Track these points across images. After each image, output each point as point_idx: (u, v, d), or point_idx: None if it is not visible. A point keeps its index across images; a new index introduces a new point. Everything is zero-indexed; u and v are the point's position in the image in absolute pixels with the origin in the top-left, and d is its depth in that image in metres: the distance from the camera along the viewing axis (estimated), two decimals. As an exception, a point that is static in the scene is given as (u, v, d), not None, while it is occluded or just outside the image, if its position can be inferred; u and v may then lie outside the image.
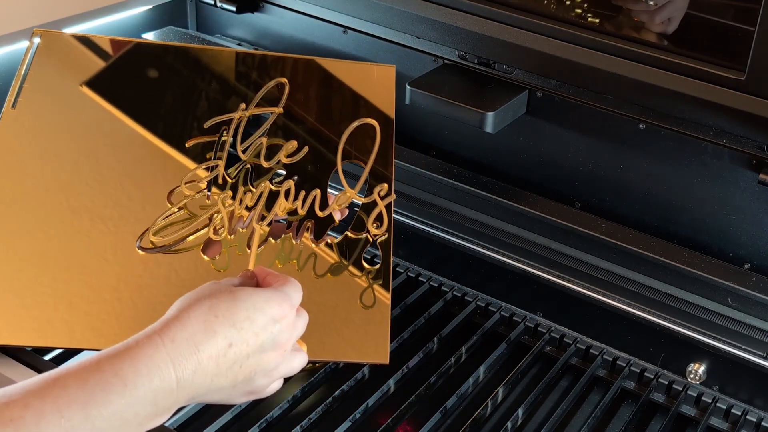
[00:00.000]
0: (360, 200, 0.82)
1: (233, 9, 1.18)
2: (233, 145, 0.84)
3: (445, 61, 1.03)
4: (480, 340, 0.97)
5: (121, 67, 0.89)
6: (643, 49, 0.86)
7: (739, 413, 0.90)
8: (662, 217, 0.97)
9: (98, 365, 0.58)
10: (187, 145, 0.84)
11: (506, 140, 1.04)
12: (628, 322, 0.95)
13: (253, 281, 0.71)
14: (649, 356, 0.95)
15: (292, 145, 0.85)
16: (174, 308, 0.64)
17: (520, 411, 0.88)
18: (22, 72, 0.86)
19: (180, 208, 0.82)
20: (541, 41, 0.92)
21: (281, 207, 0.82)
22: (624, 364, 0.95)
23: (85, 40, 0.90)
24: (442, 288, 1.04)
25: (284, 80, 0.87)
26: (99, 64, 0.88)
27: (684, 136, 0.91)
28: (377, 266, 0.82)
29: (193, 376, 0.61)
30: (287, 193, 0.83)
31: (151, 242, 0.80)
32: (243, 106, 0.85)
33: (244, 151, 0.84)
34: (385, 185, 0.83)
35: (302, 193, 0.83)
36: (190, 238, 0.81)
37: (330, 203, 0.83)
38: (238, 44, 1.19)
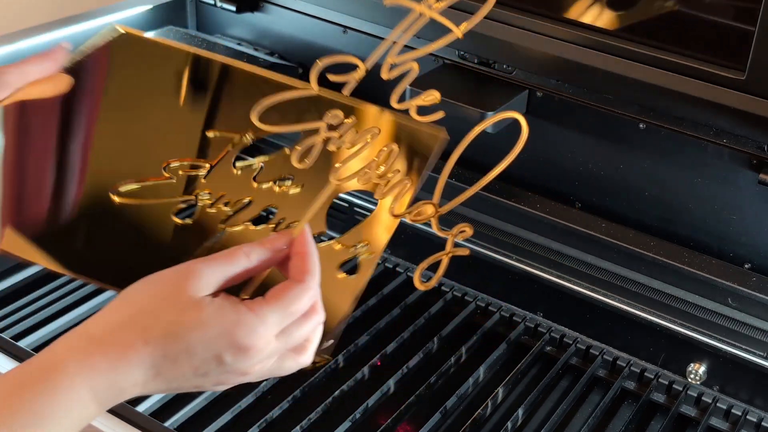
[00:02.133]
0: (435, 228, 0.69)
1: (233, 9, 1.18)
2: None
3: (445, 61, 1.03)
4: (480, 340, 0.97)
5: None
6: (644, 49, 0.86)
7: (740, 413, 0.90)
8: (662, 217, 0.97)
9: (11, 398, 0.52)
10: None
11: (506, 140, 1.04)
12: (628, 322, 0.95)
13: (281, 254, 0.61)
14: (649, 356, 0.95)
15: (432, 96, 0.71)
16: (113, 312, 0.55)
17: (520, 411, 0.88)
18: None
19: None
20: (541, 41, 0.92)
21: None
22: (624, 364, 0.95)
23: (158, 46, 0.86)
24: (442, 288, 1.04)
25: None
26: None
27: (684, 136, 0.91)
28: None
29: (114, 401, 0.54)
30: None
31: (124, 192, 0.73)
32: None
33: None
34: (469, 228, 0.69)
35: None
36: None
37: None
38: (238, 44, 1.19)
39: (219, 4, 1.19)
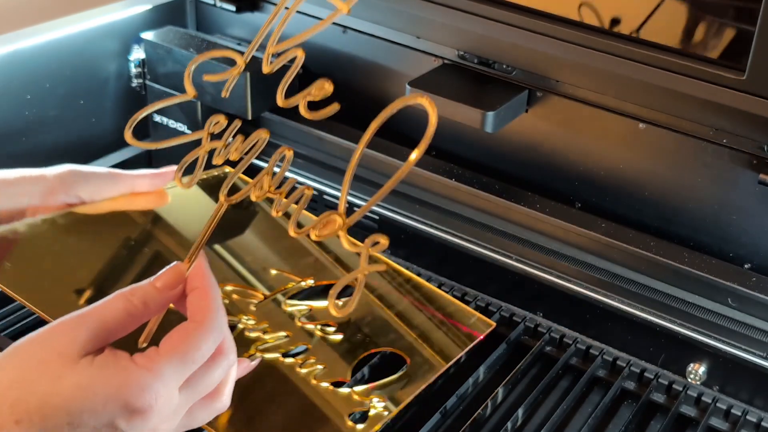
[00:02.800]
0: (345, 243, 0.58)
1: (233, 9, 1.18)
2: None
3: (445, 61, 1.03)
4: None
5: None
6: (643, 49, 0.86)
7: (739, 413, 0.90)
8: (662, 217, 0.97)
9: None
10: None
11: (506, 140, 1.04)
12: (628, 322, 0.95)
13: (176, 291, 0.53)
14: (649, 356, 0.95)
15: (324, 89, 0.62)
16: None
17: (520, 411, 0.88)
18: None
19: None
20: (541, 41, 0.91)
21: (260, 187, 0.61)
22: (624, 364, 0.95)
23: None
24: (442, 288, 1.04)
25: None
26: None
27: (684, 136, 0.91)
28: None
29: None
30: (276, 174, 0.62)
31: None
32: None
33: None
34: (383, 239, 0.57)
35: (290, 183, 0.62)
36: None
37: None
38: (238, 44, 1.19)
39: (219, 4, 1.19)
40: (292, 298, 0.88)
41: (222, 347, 0.52)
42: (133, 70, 1.18)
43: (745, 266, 0.93)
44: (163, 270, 0.53)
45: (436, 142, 1.09)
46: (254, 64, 1.17)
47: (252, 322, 0.81)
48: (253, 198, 0.58)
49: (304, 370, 0.79)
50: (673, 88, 0.86)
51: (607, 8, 0.90)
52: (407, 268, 1.06)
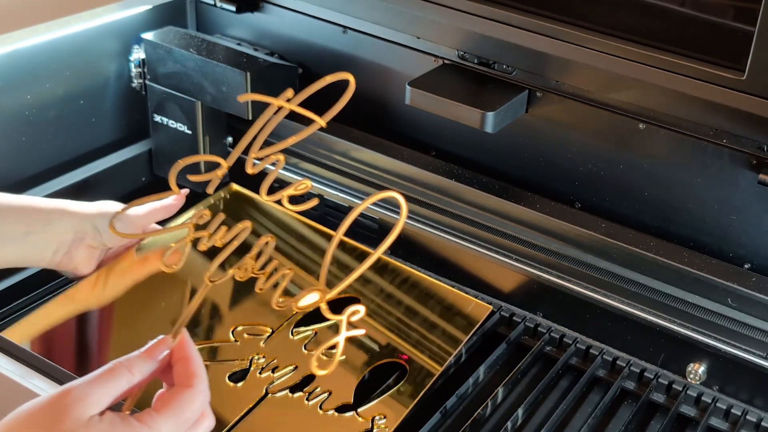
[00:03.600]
0: (327, 314, 0.61)
1: (233, 9, 1.18)
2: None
3: (445, 61, 1.03)
4: (480, 340, 0.97)
5: None
6: (643, 49, 0.86)
7: (739, 413, 0.90)
8: (662, 217, 0.97)
9: None
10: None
11: (506, 140, 1.04)
12: (628, 322, 0.95)
13: (163, 362, 0.58)
14: (649, 356, 0.95)
15: (304, 185, 0.64)
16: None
17: (520, 411, 0.88)
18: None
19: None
20: (541, 41, 0.91)
21: (244, 269, 0.63)
22: (624, 364, 0.95)
23: None
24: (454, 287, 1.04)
25: (349, 77, 0.64)
26: None
27: (684, 136, 0.91)
28: None
29: None
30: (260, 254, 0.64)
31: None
32: (290, 94, 0.62)
33: (256, 159, 0.67)
34: (360, 308, 0.62)
35: (274, 264, 0.64)
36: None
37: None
38: (238, 44, 1.19)
39: (219, 4, 1.19)
40: (298, 324, 0.91)
41: (205, 413, 0.58)
42: (133, 70, 1.18)
43: (745, 266, 0.93)
44: (151, 343, 0.59)
45: (436, 142, 1.09)
46: (255, 64, 1.18)
47: (262, 360, 0.88)
48: (237, 278, 0.62)
49: (311, 402, 0.84)
50: (673, 88, 0.86)
51: (607, 8, 0.90)
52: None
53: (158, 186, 1.22)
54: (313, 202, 0.63)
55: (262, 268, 0.62)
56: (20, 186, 1.08)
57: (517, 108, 0.99)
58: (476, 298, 1.02)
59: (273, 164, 0.62)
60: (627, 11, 0.90)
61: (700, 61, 0.84)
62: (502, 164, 1.05)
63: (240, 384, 0.85)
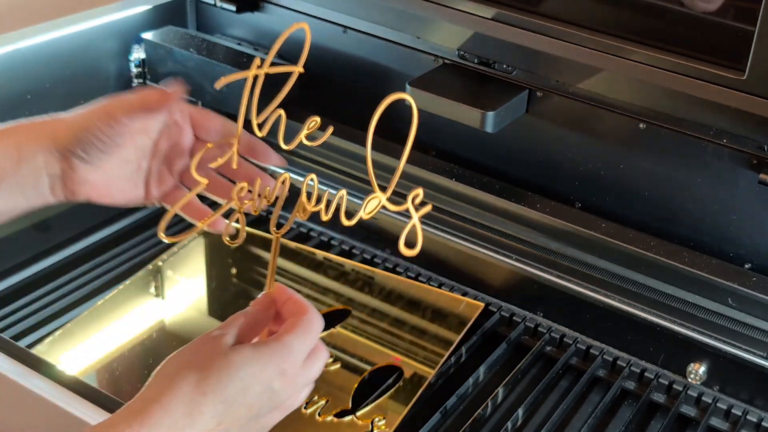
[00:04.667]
0: (392, 207, 0.67)
1: (233, 9, 1.18)
2: (248, 114, 0.71)
3: (445, 61, 1.03)
4: (480, 340, 0.97)
5: None
6: (644, 49, 0.86)
7: (740, 413, 0.90)
8: (662, 217, 0.97)
9: None
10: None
11: (506, 140, 1.04)
12: (628, 322, 0.95)
13: (271, 311, 0.64)
14: (649, 356, 0.95)
15: (314, 122, 0.69)
16: (157, 379, 0.57)
17: (520, 411, 0.88)
18: None
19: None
20: (541, 41, 0.92)
21: (302, 209, 0.67)
22: (624, 364, 0.95)
23: None
24: (442, 288, 1.04)
25: (305, 26, 0.72)
26: None
27: (684, 136, 0.91)
28: None
29: None
30: (308, 193, 0.68)
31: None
32: (258, 62, 0.69)
33: (260, 126, 0.69)
34: (419, 190, 0.66)
35: (326, 194, 0.69)
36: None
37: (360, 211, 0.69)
38: (238, 44, 1.19)
39: (219, 4, 1.19)
40: None
41: (318, 343, 0.63)
42: (133, 70, 1.18)
43: (745, 266, 0.93)
44: (256, 298, 0.65)
45: (436, 142, 1.09)
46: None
47: None
48: (301, 218, 0.67)
49: (309, 410, 0.85)
50: (673, 88, 0.86)
51: (607, 8, 0.90)
52: (407, 269, 1.06)
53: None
54: (329, 131, 0.68)
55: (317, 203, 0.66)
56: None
57: (517, 108, 0.99)
58: (476, 298, 1.03)
59: (278, 119, 0.67)
60: (627, 11, 0.90)
61: (700, 61, 0.84)
62: (502, 164, 1.05)
63: None
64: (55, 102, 1.12)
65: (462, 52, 1.01)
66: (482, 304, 0.99)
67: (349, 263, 1.05)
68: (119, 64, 1.18)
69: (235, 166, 0.68)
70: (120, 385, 0.92)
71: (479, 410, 0.87)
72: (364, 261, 1.07)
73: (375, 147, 1.08)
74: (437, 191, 1.04)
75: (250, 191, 0.67)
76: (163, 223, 0.65)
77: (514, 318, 1.00)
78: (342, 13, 1.09)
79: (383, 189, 0.66)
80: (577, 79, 0.94)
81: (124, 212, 1.19)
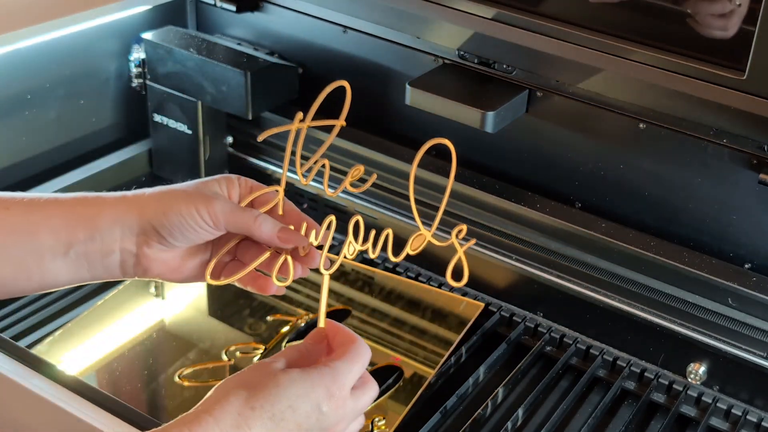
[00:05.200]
0: (437, 243, 0.69)
1: (233, 9, 1.18)
2: (292, 163, 0.70)
3: (445, 61, 1.03)
4: (480, 340, 0.97)
5: None
6: (644, 49, 0.86)
7: (740, 413, 0.90)
8: (662, 217, 0.97)
9: None
10: None
11: (506, 140, 1.04)
12: (628, 322, 0.95)
13: (323, 345, 0.66)
14: (649, 356, 0.95)
15: (358, 170, 0.70)
16: (212, 395, 0.60)
17: (520, 411, 0.88)
18: None
19: None
20: (541, 41, 0.91)
21: (350, 250, 0.68)
22: (624, 364, 0.95)
23: None
24: (442, 288, 1.04)
25: (345, 84, 0.70)
26: None
27: (684, 136, 0.91)
28: None
29: None
30: (356, 229, 0.68)
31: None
32: (300, 116, 0.68)
33: (305, 175, 0.70)
34: (464, 226, 0.68)
35: (372, 232, 0.69)
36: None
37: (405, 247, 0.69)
38: (238, 44, 1.19)
39: (219, 4, 1.19)
40: (291, 340, 0.93)
41: (369, 378, 0.65)
42: (133, 70, 1.18)
43: (745, 266, 0.93)
44: (311, 336, 0.67)
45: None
46: (255, 64, 1.18)
47: None
48: (349, 258, 0.68)
49: None
50: (673, 88, 0.86)
51: (607, 8, 0.90)
52: (407, 269, 1.06)
53: (158, 185, 1.22)
54: (373, 178, 0.70)
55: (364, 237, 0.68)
56: (20, 186, 1.08)
57: (517, 108, 0.99)
58: (476, 298, 1.03)
59: (322, 167, 0.69)
60: (627, 11, 0.90)
61: (700, 61, 0.84)
62: (502, 164, 1.05)
63: None
64: (55, 102, 1.12)
65: (462, 52, 1.01)
66: (482, 304, 0.99)
67: (349, 263, 1.05)
68: (119, 64, 1.18)
69: (281, 212, 0.69)
70: (120, 385, 0.92)
71: (479, 410, 0.87)
72: (364, 261, 1.07)
73: (374, 147, 1.09)
74: (437, 191, 1.04)
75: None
76: (210, 268, 0.67)
77: (514, 318, 1.00)
78: (342, 13, 1.09)
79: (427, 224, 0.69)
80: (577, 79, 0.94)
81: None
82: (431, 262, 1.05)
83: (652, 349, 0.95)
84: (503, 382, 0.90)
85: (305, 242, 0.67)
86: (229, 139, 1.20)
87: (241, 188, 0.70)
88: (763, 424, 0.89)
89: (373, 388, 0.65)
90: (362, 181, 0.70)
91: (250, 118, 1.10)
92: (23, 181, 1.09)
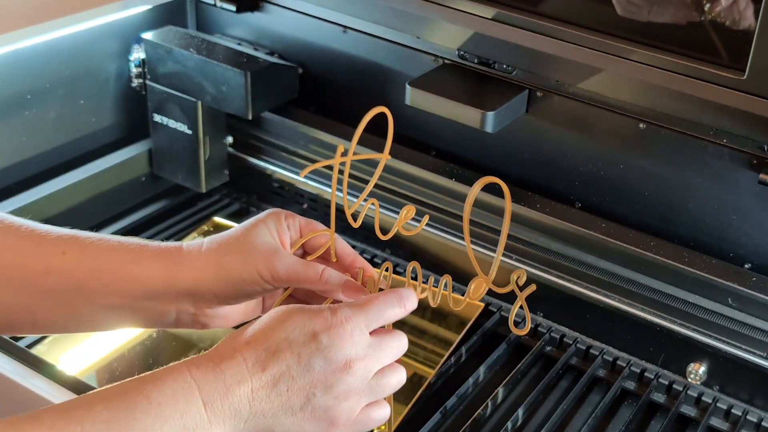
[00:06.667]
0: (497, 290, 0.65)
1: (233, 9, 1.18)
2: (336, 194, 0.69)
3: (445, 61, 1.03)
4: (480, 340, 0.97)
5: None
6: (644, 49, 0.86)
7: (740, 413, 0.90)
8: (662, 217, 0.97)
9: (124, 386, 0.57)
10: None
11: (506, 140, 1.04)
12: (628, 322, 0.95)
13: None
14: (649, 356, 0.95)
15: (409, 210, 0.69)
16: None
17: (520, 411, 0.88)
18: None
19: None
20: (541, 41, 0.92)
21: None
22: (624, 364, 0.95)
23: None
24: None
25: (386, 110, 0.69)
26: None
27: (684, 136, 0.91)
28: None
29: (222, 400, 0.57)
30: (414, 276, 0.68)
31: None
32: (341, 149, 0.67)
33: (354, 217, 0.68)
34: (522, 271, 0.65)
35: (431, 279, 0.69)
36: None
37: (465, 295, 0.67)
38: (238, 44, 1.19)
39: (219, 4, 1.19)
40: None
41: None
42: (133, 70, 1.18)
43: (745, 266, 0.93)
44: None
45: (436, 142, 1.09)
46: (255, 64, 1.18)
47: None
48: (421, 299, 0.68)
49: None
50: (673, 88, 0.86)
51: (607, 8, 0.90)
52: (406, 269, 1.06)
53: (158, 184, 1.22)
54: (425, 220, 0.69)
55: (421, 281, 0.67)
56: (20, 186, 1.08)
57: (517, 108, 0.99)
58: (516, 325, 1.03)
59: (372, 206, 0.68)
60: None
61: (700, 61, 0.84)
62: (502, 164, 1.05)
63: None
64: (55, 102, 1.12)
65: (462, 52, 1.01)
66: (482, 304, 0.99)
67: None
68: (119, 64, 1.18)
69: (334, 259, 0.69)
70: None
71: (479, 410, 0.87)
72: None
73: (375, 147, 1.08)
74: (437, 191, 1.04)
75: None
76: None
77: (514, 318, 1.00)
78: (342, 13, 1.09)
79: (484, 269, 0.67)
80: (577, 79, 0.94)
81: (125, 212, 1.19)
82: (432, 262, 1.06)
83: (652, 349, 0.95)
84: (503, 382, 0.90)
85: (366, 292, 0.67)
86: (229, 139, 1.20)
87: (290, 230, 0.69)
88: (763, 424, 0.89)
89: (398, 335, 0.63)
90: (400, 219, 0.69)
91: (250, 118, 1.10)
92: (23, 181, 1.09)
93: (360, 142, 0.64)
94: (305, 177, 1.14)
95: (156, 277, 0.65)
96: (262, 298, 0.72)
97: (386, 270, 0.66)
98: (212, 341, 0.97)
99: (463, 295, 0.66)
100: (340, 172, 0.67)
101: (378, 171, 0.69)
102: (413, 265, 0.67)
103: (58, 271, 0.65)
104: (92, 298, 0.66)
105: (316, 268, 0.66)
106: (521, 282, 0.63)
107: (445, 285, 0.67)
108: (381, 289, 0.66)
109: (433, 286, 0.67)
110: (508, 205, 0.64)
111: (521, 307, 0.63)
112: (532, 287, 0.64)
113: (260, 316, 0.62)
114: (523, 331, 0.65)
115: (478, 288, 0.66)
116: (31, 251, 0.65)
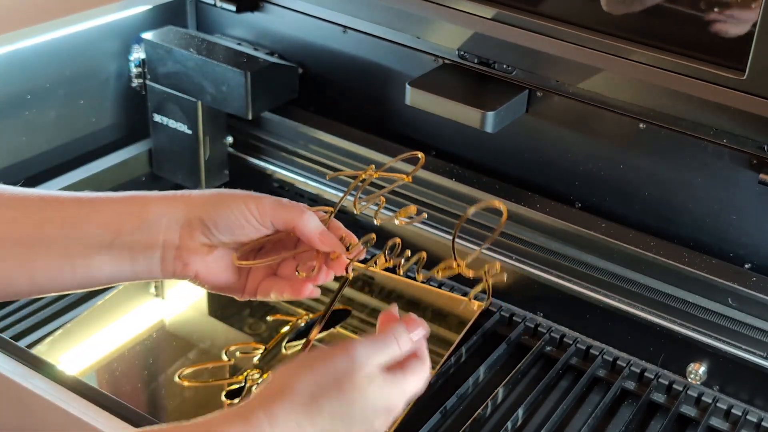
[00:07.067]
0: (467, 274, 0.69)
1: (233, 9, 1.18)
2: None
3: (445, 61, 1.03)
4: (480, 340, 0.97)
5: None
6: (644, 49, 0.86)
7: (740, 413, 0.90)
8: (662, 217, 0.97)
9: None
10: None
11: (506, 140, 1.04)
12: (628, 322, 0.95)
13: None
14: (649, 356, 0.95)
15: (412, 209, 0.73)
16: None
17: (520, 411, 0.88)
18: None
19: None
20: (541, 41, 0.92)
21: (376, 263, 0.73)
22: (624, 364, 0.95)
23: None
24: (442, 288, 1.04)
25: (421, 155, 0.75)
26: None
27: (684, 136, 0.91)
28: None
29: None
30: (392, 249, 0.72)
31: None
32: (373, 167, 0.74)
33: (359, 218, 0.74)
34: (497, 263, 0.69)
35: (407, 252, 0.73)
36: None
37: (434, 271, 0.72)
38: (238, 44, 1.19)
39: (219, 4, 1.19)
40: (291, 340, 0.93)
41: (419, 354, 0.65)
42: (133, 70, 1.18)
43: (745, 266, 0.93)
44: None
45: (436, 142, 1.09)
46: (255, 64, 1.18)
47: (257, 375, 0.89)
48: (375, 269, 0.72)
49: None
50: (673, 88, 0.86)
51: (607, 8, 0.90)
52: (409, 270, 1.06)
53: (158, 184, 1.22)
54: (422, 216, 0.73)
55: (396, 255, 0.71)
56: (20, 186, 1.08)
57: (517, 108, 0.99)
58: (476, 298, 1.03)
59: (375, 204, 0.72)
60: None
61: (700, 61, 0.84)
62: (502, 164, 1.05)
63: (237, 400, 0.85)
64: (55, 102, 1.12)
65: (462, 52, 1.01)
66: (482, 305, 0.99)
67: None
68: (119, 64, 1.18)
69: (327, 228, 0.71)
70: (120, 385, 0.92)
71: (479, 410, 0.87)
72: (364, 261, 1.07)
73: (374, 147, 1.08)
74: (437, 191, 1.04)
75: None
76: (238, 253, 0.69)
77: (514, 318, 1.00)
78: (342, 13, 1.09)
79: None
80: (577, 79, 0.94)
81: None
82: (432, 262, 1.05)
83: (652, 349, 0.95)
84: (503, 382, 0.90)
85: (341, 249, 0.68)
86: (229, 139, 1.20)
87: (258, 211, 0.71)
88: (763, 424, 0.89)
89: (416, 365, 0.64)
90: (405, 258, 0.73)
91: (250, 118, 1.10)
92: (23, 181, 1.09)
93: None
94: (305, 177, 1.14)
95: (148, 207, 0.68)
96: (246, 274, 0.71)
97: (366, 242, 0.70)
98: (212, 342, 0.97)
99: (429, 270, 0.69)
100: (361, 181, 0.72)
101: (390, 186, 0.74)
102: (396, 240, 0.70)
103: (54, 220, 0.66)
104: (87, 239, 0.66)
105: (299, 206, 0.68)
106: (493, 272, 0.67)
107: (417, 261, 0.71)
108: (366, 260, 0.70)
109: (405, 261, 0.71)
110: (502, 222, 0.67)
111: (484, 291, 0.67)
112: (502, 276, 0.67)
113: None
114: (484, 304, 0.70)
115: (448, 267, 0.69)
116: (25, 209, 0.67)
